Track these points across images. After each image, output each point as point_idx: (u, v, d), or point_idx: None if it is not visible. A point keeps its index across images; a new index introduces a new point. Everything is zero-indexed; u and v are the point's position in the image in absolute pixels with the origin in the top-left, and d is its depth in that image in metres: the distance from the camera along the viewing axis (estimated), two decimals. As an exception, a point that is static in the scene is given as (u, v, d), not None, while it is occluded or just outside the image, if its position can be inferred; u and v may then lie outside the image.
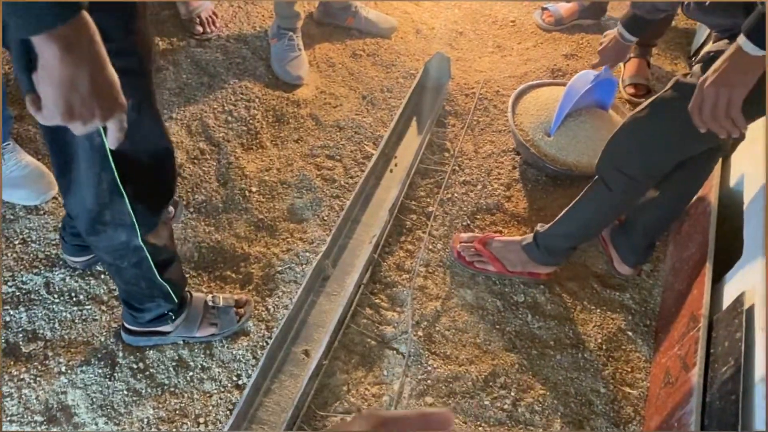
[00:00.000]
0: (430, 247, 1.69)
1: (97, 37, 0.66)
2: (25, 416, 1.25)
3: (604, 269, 1.70)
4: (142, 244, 1.12)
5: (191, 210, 1.67)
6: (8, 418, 1.24)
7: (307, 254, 1.62)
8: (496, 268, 1.62)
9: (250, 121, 1.90)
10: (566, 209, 1.53)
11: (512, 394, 1.43)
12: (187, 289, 1.39)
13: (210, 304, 1.41)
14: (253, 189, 1.74)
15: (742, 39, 1.02)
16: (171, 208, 1.60)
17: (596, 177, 1.45)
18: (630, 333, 1.58)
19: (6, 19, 0.64)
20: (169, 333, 1.37)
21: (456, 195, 1.83)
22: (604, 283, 1.68)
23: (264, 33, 2.18)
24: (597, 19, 2.47)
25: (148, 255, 1.16)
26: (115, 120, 0.73)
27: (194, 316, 1.39)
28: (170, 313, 1.32)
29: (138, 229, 1.09)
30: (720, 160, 1.66)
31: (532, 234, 1.61)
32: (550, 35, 2.43)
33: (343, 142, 1.92)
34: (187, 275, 1.53)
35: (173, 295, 1.29)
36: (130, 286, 1.23)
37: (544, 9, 2.49)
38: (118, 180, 0.99)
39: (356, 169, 1.85)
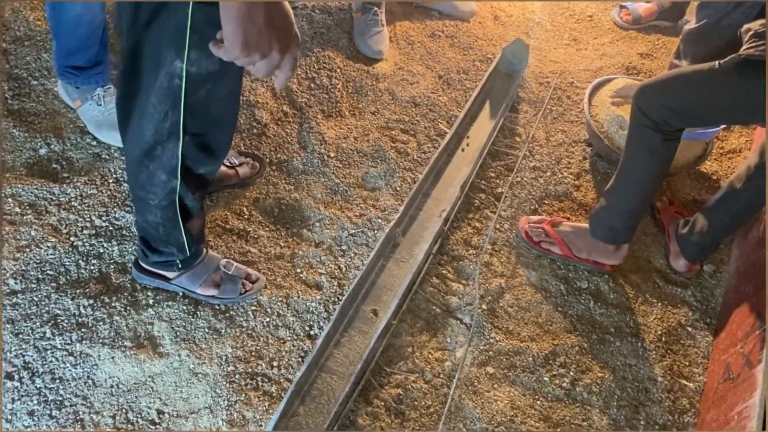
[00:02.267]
0: (498, 226, 1.73)
1: None
2: (116, 341, 1.33)
3: (666, 265, 1.72)
4: (178, 188, 1.13)
5: (273, 168, 1.72)
6: (101, 341, 1.32)
7: (379, 221, 1.67)
8: (563, 251, 1.65)
9: (331, 90, 1.95)
10: (615, 175, 1.53)
11: (571, 373, 1.46)
12: (206, 245, 1.40)
13: (222, 267, 1.41)
14: (331, 154, 1.80)
15: None
16: (234, 160, 1.63)
17: (635, 113, 1.44)
18: (690, 329, 1.59)
19: None
20: (170, 279, 1.38)
21: (525, 179, 1.86)
22: (666, 278, 1.70)
23: (348, 6, 2.22)
24: (675, 21, 2.46)
25: (178, 200, 1.17)
26: (290, 55, 0.76)
27: (200, 272, 1.38)
28: (178, 262, 1.33)
29: (179, 174, 1.10)
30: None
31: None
32: (627, 33, 2.42)
33: (417, 118, 1.96)
34: (267, 229, 1.59)
35: (187, 247, 1.30)
36: (150, 226, 1.23)
37: (622, 7, 2.49)
38: (182, 122, 1.00)
39: (429, 145, 1.89)
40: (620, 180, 1.52)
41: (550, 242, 1.66)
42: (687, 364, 1.53)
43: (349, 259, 1.58)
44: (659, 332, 1.57)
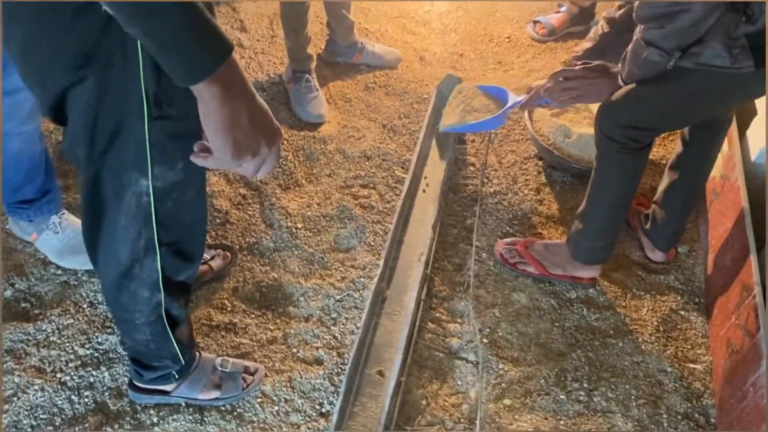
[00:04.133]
0: (477, 257, 1.74)
1: (242, 71, 0.71)
2: (128, 470, 1.27)
3: (644, 256, 1.76)
4: (163, 301, 1.12)
5: (245, 253, 1.71)
6: (112, 474, 1.26)
7: (362, 280, 1.66)
8: (538, 270, 1.67)
9: (283, 163, 1.95)
10: (587, 196, 1.54)
11: (585, 386, 1.46)
12: (197, 349, 1.38)
13: (218, 367, 1.38)
14: (299, 226, 1.79)
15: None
16: (206, 255, 1.61)
17: (601, 139, 1.45)
18: (682, 312, 1.62)
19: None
20: (169, 392, 1.34)
21: (490, 205, 1.89)
22: (647, 269, 1.74)
23: (279, 79, 2.25)
24: (587, 24, 2.57)
25: (164, 312, 1.15)
26: (276, 147, 0.76)
27: (198, 378, 1.34)
28: (174, 373, 1.30)
29: (162, 287, 1.09)
30: (729, 137, 1.73)
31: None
32: (546, 46, 2.52)
33: (373, 170, 1.98)
34: (253, 316, 1.56)
35: (180, 356, 1.27)
36: (140, 344, 1.21)
37: (535, 22, 2.59)
38: (156, 236, 1.00)
39: (391, 193, 1.91)
40: (594, 202, 1.53)
41: (525, 262, 1.68)
42: (689, 347, 1.56)
43: (342, 326, 1.57)
44: (655, 323, 1.60)
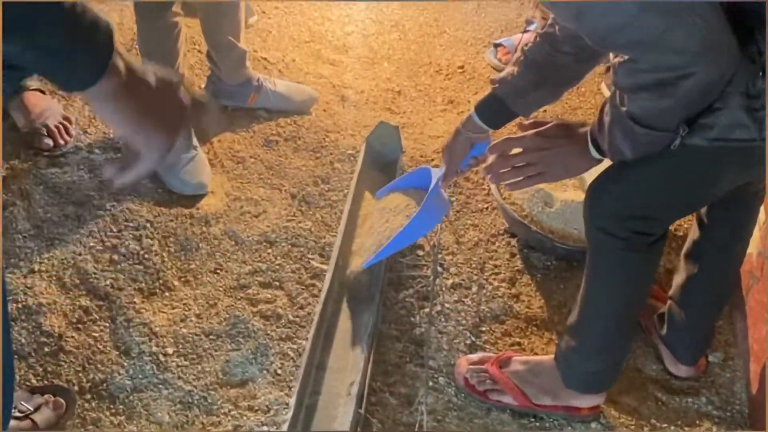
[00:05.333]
0: (431, 384, 1.68)
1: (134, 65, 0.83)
2: None
3: (663, 369, 1.75)
4: None
5: (87, 397, 1.61)
6: None
7: (265, 428, 1.58)
8: (519, 401, 1.63)
9: (146, 256, 1.89)
10: (579, 306, 1.53)
11: None
12: None
13: None
14: (169, 351, 1.71)
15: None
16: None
17: (594, 234, 1.44)
18: (722, 450, 1.59)
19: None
20: None
21: (448, 305, 1.85)
22: (669, 388, 1.71)
23: None
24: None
25: None
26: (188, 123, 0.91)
27: None
28: None
29: None
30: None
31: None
32: (512, 77, 2.56)
33: (279, 262, 1.92)
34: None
35: None
36: None
37: (497, 45, 2.64)
38: None
39: (305, 294, 1.86)
40: (589, 315, 1.51)
41: (500, 390, 1.64)
42: (736, 502, 1.52)
43: (237, 503, 1.46)
44: (685, 469, 1.56)
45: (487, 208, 2.10)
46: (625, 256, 1.40)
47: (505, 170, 1.42)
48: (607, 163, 1.36)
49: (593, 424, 1.62)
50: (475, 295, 1.88)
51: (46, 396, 1.54)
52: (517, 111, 1.56)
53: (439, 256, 1.96)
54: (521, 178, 1.41)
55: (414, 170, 1.83)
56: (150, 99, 0.85)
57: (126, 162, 0.88)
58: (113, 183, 0.91)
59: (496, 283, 1.91)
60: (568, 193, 1.94)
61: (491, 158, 1.44)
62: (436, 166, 2.14)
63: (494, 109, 1.58)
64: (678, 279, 1.67)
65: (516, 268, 1.95)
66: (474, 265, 1.95)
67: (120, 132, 0.86)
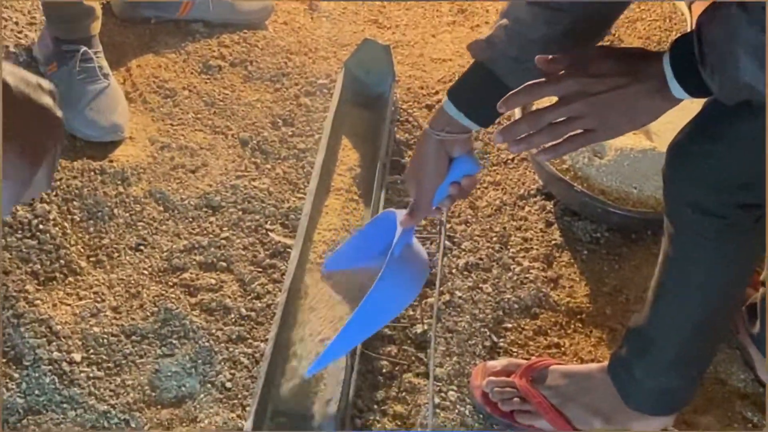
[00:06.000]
0: (437, 400, 1.61)
1: None
2: None
3: (753, 379, 1.69)
4: None
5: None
6: None
7: (209, 466, 1.54)
8: (557, 425, 1.56)
9: (41, 227, 1.79)
10: (650, 303, 1.48)
11: None
12: None
13: None
14: (76, 357, 1.61)
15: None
16: None
17: (681, 213, 1.39)
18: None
19: None
20: None
21: (459, 294, 1.77)
22: (760, 404, 1.66)
23: (27, 56, 2.12)
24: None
25: None
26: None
27: None
28: None
29: None
30: None
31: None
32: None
33: (225, 234, 1.84)
34: None
35: None
36: None
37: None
38: None
39: (263, 279, 1.77)
40: (667, 313, 1.45)
41: (531, 411, 1.56)
42: None
43: None
44: None
45: (513, 160, 2.04)
46: (725, 239, 1.35)
47: (536, 131, 1.24)
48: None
49: (659, 456, 1.62)
50: (496, 280, 1.80)
51: None
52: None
53: (448, 226, 1.90)
54: (562, 140, 1.23)
55: (373, 220, 1.68)
56: (7, 109, 0.78)
57: None
58: None
59: (525, 263, 1.83)
60: (626, 139, 1.87)
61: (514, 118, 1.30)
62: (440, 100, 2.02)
63: (480, 91, 1.35)
64: None
65: (553, 241, 1.88)
66: (495, 239, 1.88)
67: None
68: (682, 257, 1.41)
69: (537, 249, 1.86)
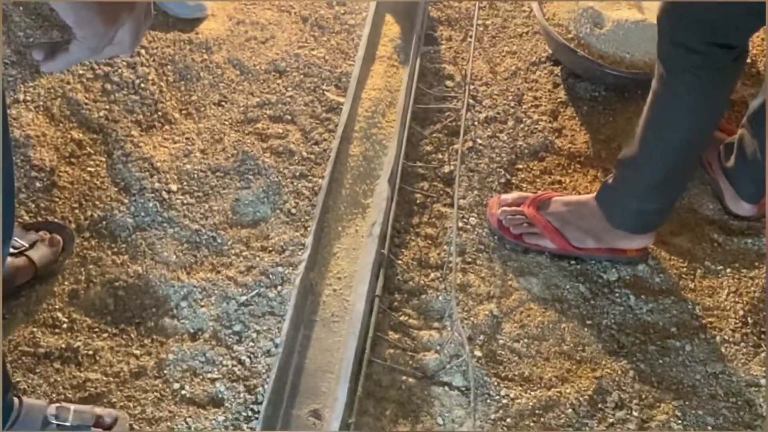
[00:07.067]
0: (461, 224, 1.77)
1: None
2: None
3: (721, 209, 1.83)
4: None
5: (86, 235, 1.70)
6: None
7: (280, 269, 1.68)
8: (558, 244, 1.71)
9: (141, 86, 1.95)
10: (639, 135, 1.56)
11: (635, 414, 1.52)
12: (16, 391, 1.37)
13: (52, 420, 1.39)
14: (173, 187, 1.80)
15: None
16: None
17: (667, 48, 1.46)
18: (781, 294, 1.68)
19: None
20: None
21: (480, 141, 1.92)
22: (727, 230, 1.80)
23: None
24: None
25: None
26: None
27: None
28: None
29: None
30: None
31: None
32: None
33: (290, 93, 1.99)
34: (105, 336, 1.57)
35: None
36: None
37: None
38: None
39: (321, 129, 1.93)
40: (651, 144, 1.54)
41: (537, 233, 1.72)
42: (792, 346, 1.63)
43: (252, 344, 1.59)
44: (740, 312, 1.66)
45: (527, 33, 2.14)
46: (703, 75, 1.42)
47: None
48: None
49: (640, 266, 1.72)
50: (511, 130, 1.94)
51: (41, 233, 1.63)
52: None
53: (472, 86, 2.01)
54: None
55: None
56: None
57: (56, 46, 0.83)
58: (40, 67, 0.87)
59: (535, 117, 1.97)
60: (622, 12, 1.95)
61: None
62: None
63: None
64: (755, 103, 1.69)
65: (559, 99, 2.00)
66: (511, 97, 2.00)
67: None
68: (669, 90, 1.48)
69: (545, 105, 1.98)
